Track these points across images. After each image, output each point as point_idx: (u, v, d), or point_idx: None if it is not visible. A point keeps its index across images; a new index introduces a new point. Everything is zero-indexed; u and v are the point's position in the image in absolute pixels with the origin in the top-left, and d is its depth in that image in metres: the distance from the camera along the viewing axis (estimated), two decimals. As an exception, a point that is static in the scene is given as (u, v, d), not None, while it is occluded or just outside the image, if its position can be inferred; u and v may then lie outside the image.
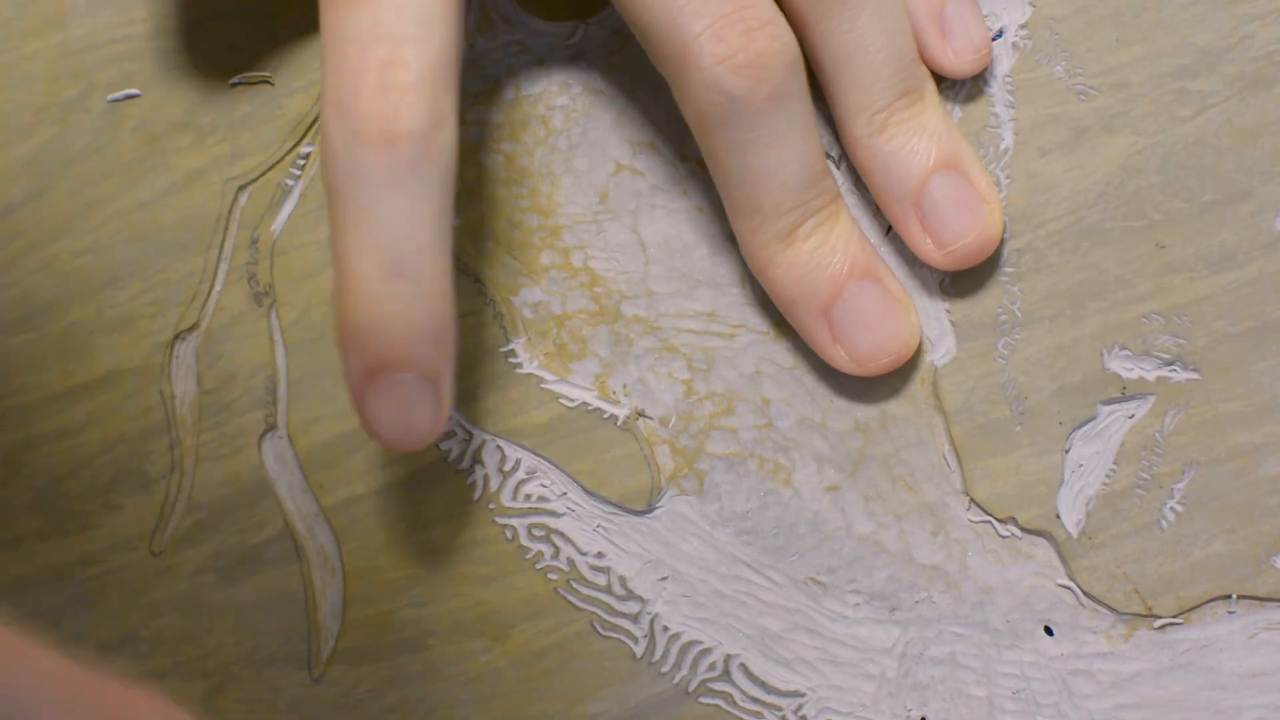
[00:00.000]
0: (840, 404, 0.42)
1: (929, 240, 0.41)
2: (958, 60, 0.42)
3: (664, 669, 0.41)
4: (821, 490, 0.41)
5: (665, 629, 0.41)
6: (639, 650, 0.41)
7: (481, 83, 0.44)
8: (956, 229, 0.40)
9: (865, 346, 0.40)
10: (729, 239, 0.42)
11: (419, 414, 0.38)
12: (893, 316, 0.41)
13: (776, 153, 0.39)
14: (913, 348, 0.41)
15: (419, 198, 0.36)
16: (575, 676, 0.41)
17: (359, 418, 0.38)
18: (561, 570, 0.42)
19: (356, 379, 0.37)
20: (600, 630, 0.42)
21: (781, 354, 0.42)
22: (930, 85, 0.42)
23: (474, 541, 0.42)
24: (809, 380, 0.42)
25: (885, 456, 0.42)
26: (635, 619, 0.42)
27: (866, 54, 0.40)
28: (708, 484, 0.42)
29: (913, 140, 0.41)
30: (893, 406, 0.42)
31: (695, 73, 0.38)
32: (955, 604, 0.41)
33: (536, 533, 0.42)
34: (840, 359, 0.41)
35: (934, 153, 0.41)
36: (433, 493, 0.42)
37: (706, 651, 0.41)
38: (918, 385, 0.42)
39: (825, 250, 0.40)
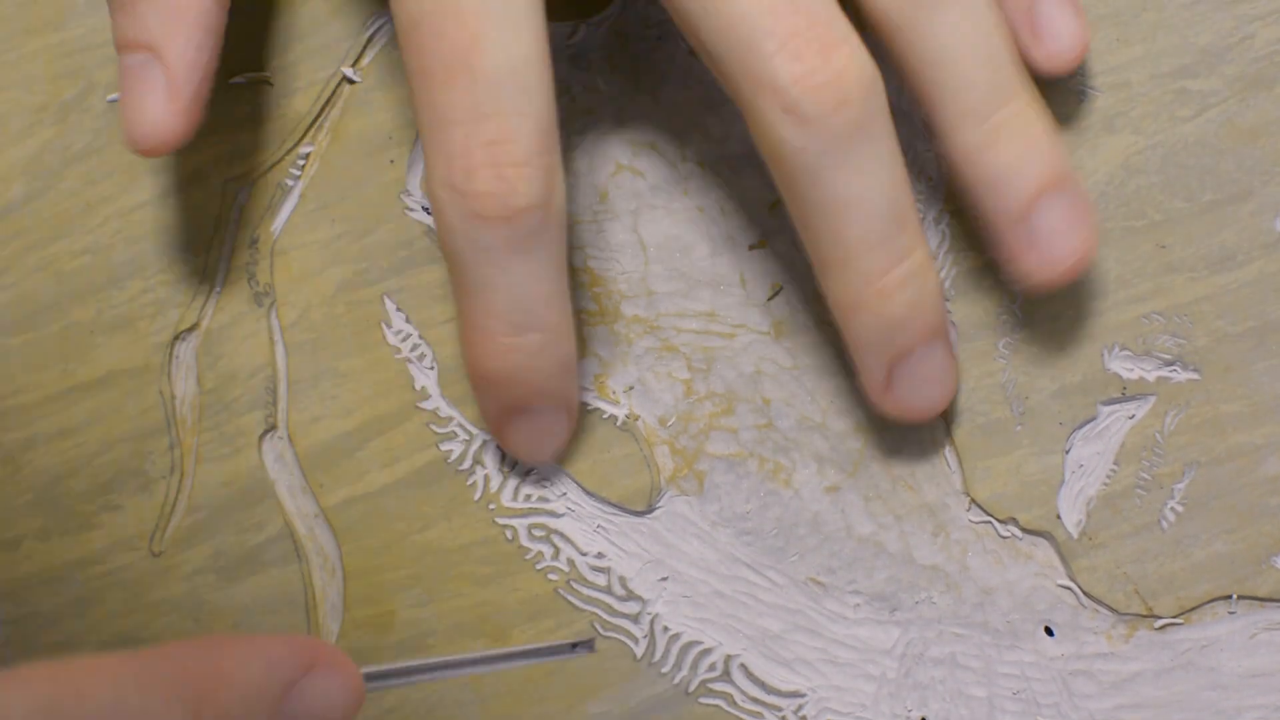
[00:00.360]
0: (841, 404, 0.42)
1: (1034, 258, 0.39)
2: (1051, 61, 0.39)
3: (664, 669, 0.41)
4: (822, 491, 0.41)
5: (665, 629, 0.41)
6: (639, 651, 0.41)
7: (481, 83, 0.44)
8: (1067, 249, 0.38)
9: (917, 405, 0.40)
10: (729, 239, 0.42)
11: (553, 438, 0.41)
12: (947, 382, 0.40)
13: (861, 182, 0.37)
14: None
15: (542, 261, 0.37)
16: (575, 677, 0.41)
17: (500, 445, 0.41)
18: (561, 571, 0.42)
19: (495, 417, 0.40)
20: (600, 631, 0.42)
21: (781, 354, 0.42)
22: (1033, 88, 0.39)
23: (474, 541, 0.42)
24: (809, 380, 0.42)
25: (885, 457, 0.42)
26: (635, 619, 0.42)
27: (963, 56, 0.38)
28: (708, 484, 0.42)
29: (1022, 154, 0.38)
30: (893, 407, 0.42)
31: (770, 95, 0.36)
32: (956, 604, 0.41)
33: (536, 533, 0.42)
34: (886, 405, 0.40)
35: (1044, 169, 0.38)
36: (433, 493, 0.42)
37: (707, 652, 0.41)
38: (918, 385, 0.42)
39: (913, 305, 0.38)
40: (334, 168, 0.44)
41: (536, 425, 0.40)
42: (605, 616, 0.42)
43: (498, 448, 0.42)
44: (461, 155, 0.36)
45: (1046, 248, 0.38)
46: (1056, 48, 0.39)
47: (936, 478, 0.41)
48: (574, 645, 0.39)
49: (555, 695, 0.41)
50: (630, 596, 0.42)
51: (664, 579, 0.42)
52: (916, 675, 0.41)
